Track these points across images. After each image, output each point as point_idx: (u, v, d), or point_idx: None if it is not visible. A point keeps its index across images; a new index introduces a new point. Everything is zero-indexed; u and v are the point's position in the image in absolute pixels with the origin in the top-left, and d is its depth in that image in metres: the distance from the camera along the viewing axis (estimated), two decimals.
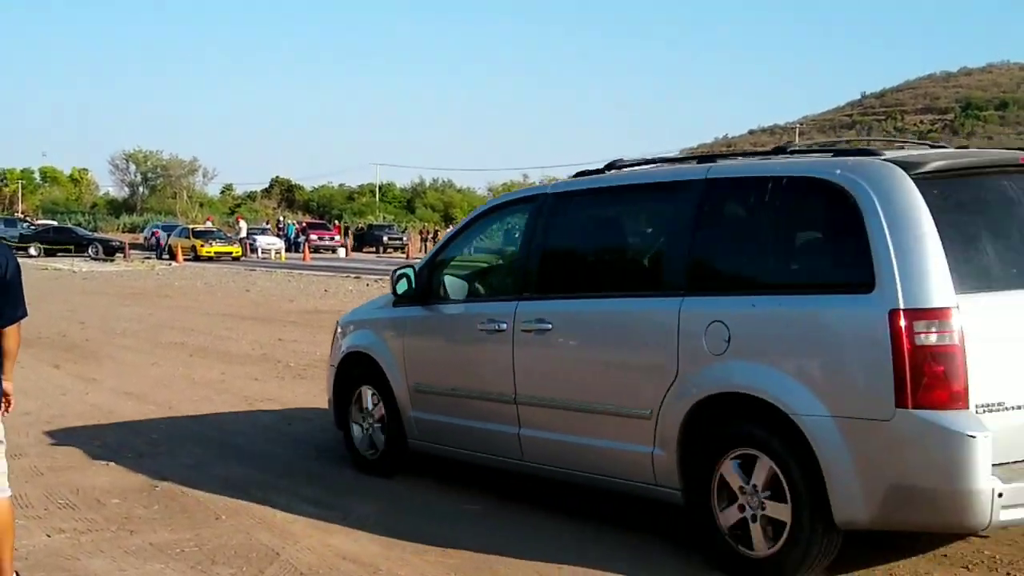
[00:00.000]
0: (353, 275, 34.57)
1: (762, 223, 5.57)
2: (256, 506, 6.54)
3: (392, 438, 7.35)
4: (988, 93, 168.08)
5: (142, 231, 74.27)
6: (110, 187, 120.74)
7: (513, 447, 6.46)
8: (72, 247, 52.09)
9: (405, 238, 67.91)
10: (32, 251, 50.84)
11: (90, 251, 50.82)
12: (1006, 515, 4.54)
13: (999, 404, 4.65)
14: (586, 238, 6.72)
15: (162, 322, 18.48)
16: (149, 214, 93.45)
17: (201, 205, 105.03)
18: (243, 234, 59.72)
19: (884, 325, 4.66)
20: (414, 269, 7.32)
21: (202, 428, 9.10)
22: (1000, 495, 4.48)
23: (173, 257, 49.14)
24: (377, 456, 7.51)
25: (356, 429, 7.67)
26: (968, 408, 4.58)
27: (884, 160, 5.14)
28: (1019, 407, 4.68)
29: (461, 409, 6.85)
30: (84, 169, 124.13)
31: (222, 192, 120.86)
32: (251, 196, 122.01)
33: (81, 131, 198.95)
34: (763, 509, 5.07)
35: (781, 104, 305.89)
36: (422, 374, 7.12)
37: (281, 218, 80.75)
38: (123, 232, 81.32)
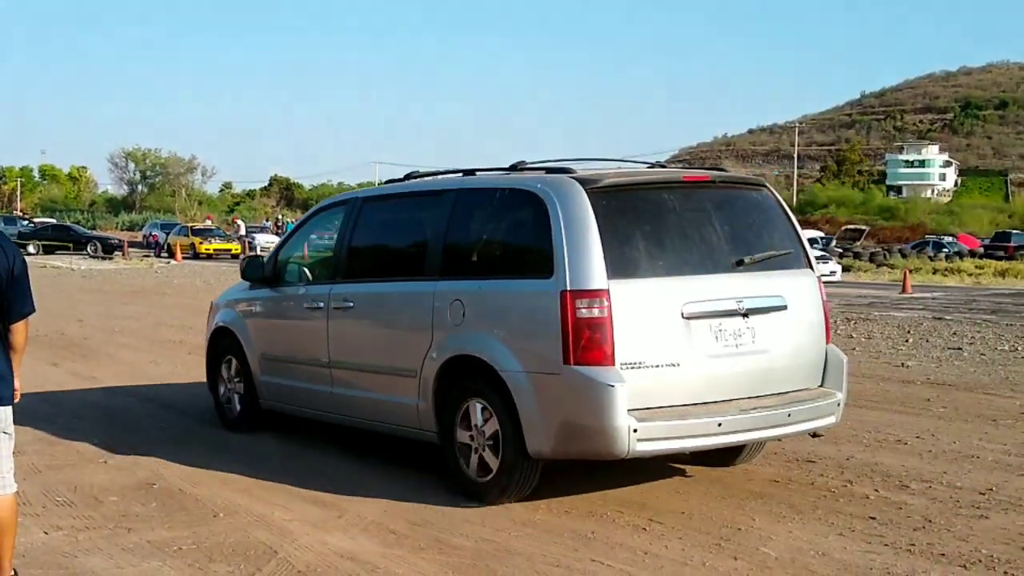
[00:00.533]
0: None
1: (489, 223, 7.19)
2: (254, 504, 6.54)
3: (248, 400, 8.86)
4: (988, 93, 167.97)
5: (141, 229, 74.16)
6: (109, 185, 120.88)
7: (329, 403, 8.03)
8: (71, 245, 52.05)
9: None
10: (31, 249, 50.76)
11: (89, 249, 50.79)
12: (640, 447, 6.02)
13: (639, 363, 6.14)
14: (379, 234, 8.26)
15: (161, 320, 18.48)
16: (148, 212, 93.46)
17: (200, 203, 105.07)
18: (242, 232, 59.65)
19: (556, 302, 6.16)
20: (262, 258, 9.19)
21: (203, 426, 9.09)
22: (635, 431, 5.96)
23: (172, 255, 48.99)
24: (236, 415, 9.01)
25: (222, 392, 9.19)
26: (614, 365, 6.06)
27: (571, 176, 6.58)
28: (655, 366, 6.20)
29: (294, 373, 8.38)
30: (83, 167, 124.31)
31: (221, 190, 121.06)
32: (250, 194, 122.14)
33: (80, 129, 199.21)
34: (486, 444, 6.57)
35: (781, 104, 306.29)
36: (267, 345, 8.69)
37: (280, 216, 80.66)
38: (122, 230, 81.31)
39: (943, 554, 5.50)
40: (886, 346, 14.44)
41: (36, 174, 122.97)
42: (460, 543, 5.74)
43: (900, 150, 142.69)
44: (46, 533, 5.95)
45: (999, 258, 45.46)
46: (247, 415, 8.90)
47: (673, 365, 6.26)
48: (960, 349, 13.99)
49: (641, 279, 6.33)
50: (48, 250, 51.35)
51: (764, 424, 6.48)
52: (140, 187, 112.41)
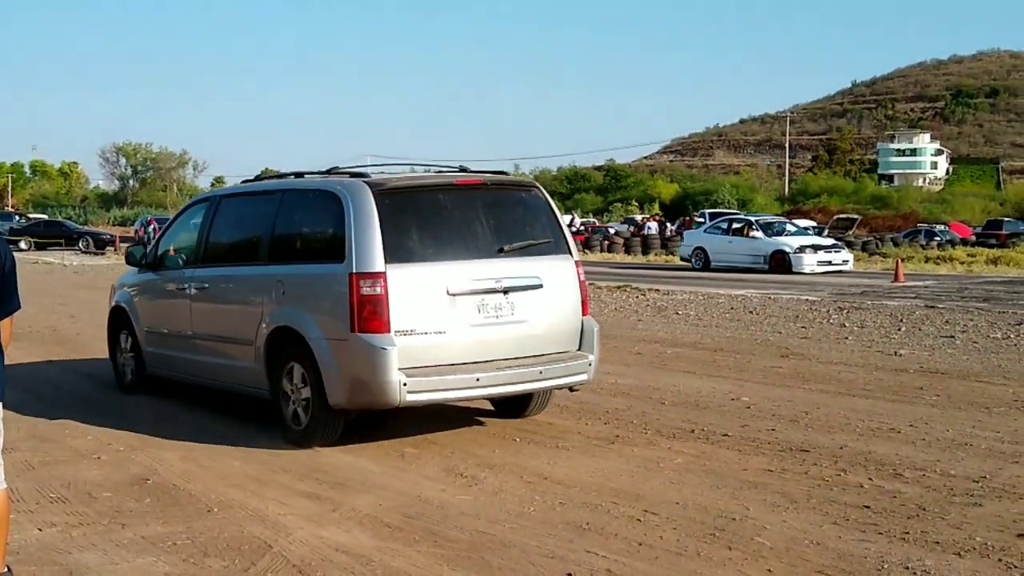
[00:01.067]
0: None
1: (304, 218, 8.78)
2: (249, 499, 6.54)
3: (138, 368, 10.39)
4: (978, 81, 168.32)
5: (133, 224, 73.95)
6: (100, 180, 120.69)
7: (195, 369, 9.58)
8: (63, 241, 51.86)
9: None
10: (23, 245, 50.73)
11: (81, 245, 50.76)
12: (410, 397, 7.53)
13: (411, 331, 7.61)
14: (229, 227, 9.66)
15: None
16: (140, 207, 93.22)
17: (191, 197, 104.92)
18: None
19: (346, 282, 7.59)
20: (146, 247, 11.02)
21: (195, 420, 9.08)
22: (405, 385, 7.44)
23: None
24: (129, 380, 10.58)
25: (120, 362, 10.78)
26: (390, 333, 7.51)
27: (363, 180, 8.03)
28: (424, 333, 7.67)
29: (169, 344, 9.95)
30: (74, 162, 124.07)
31: (213, 184, 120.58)
32: None
33: (71, 124, 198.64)
34: (302, 398, 8.00)
35: (772, 93, 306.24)
36: (150, 321, 10.26)
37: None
38: (114, 225, 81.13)
39: (937, 542, 5.51)
40: (879, 335, 14.45)
41: (27, 170, 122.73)
42: (455, 535, 5.74)
43: (891, 139, 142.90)
44: (40, 530, 5.94)
45: (991, 246, 45.45)
46: (138, 381, 10.44)
47: (440, 332, 7.76)
48: (953, 337, 14.01)
49: (414, 264, 7.80)
50: (40, 246, 51.23)
51: (518, 380, 8.03)
52: (132, 182, 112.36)
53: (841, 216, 55.89)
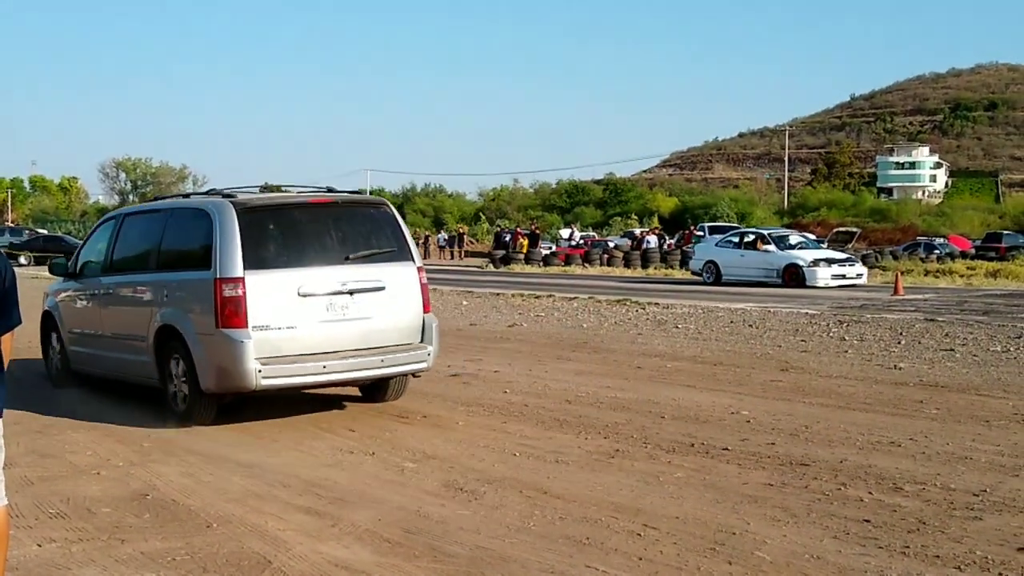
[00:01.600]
0: None
1: (184, 232, 10.12)
2: (248, 514, 6.53)
3: (64, 365, 11.83)
4: (977, 94, 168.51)
5: None
6: (100, 195, 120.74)
7: (107, 364, 11.00)
8: (63, 256, 51.66)
9: None
10: (22, 260, 50.70)
11: None
12: (265, 383, 8.99)
13: (266, 327, 9.07)
14: (130, 241, 11.01)
15: None
16: None
17: None
18: None
19: (212, 285, 9.07)
20: (66, 257, 12.89)
21: (193, 437, 9.07)
22: (260, 371, 8.92)
23: None
24: (58, 376, 12.01)
25: (51, 359, 12.24)
26: (247, 328, 8.96)
27: (229, 200, 9.58)
28: (278, 328, 9.12)
29: (86, 343, 11.35)
30: (74, 177, 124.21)
31: None
32: None
33: (70, 140, 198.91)
34: (183, 385, 9.49)
35: (771, 107, 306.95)
36: (71, 323, 11.65)
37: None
38: None
39: (938, 556, 5.50)
40: (878, 348, 14.46)
41: (27, 185, 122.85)
42: (455, 551, 5.74)
43: (890, 152, 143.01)
44: (39, 545, 5.93)
45: (990, 259, 45.47)
46: (65, 376, 11.84)
47: (292, 328, 9.18)
48: (952, 350, 14.01)
49: (269, 270, 9.25)
50: (40, 261, 51.08)
51: (361, 368, 9.52)
52: (132, 197, 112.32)
53: (840, 229, 55.86)
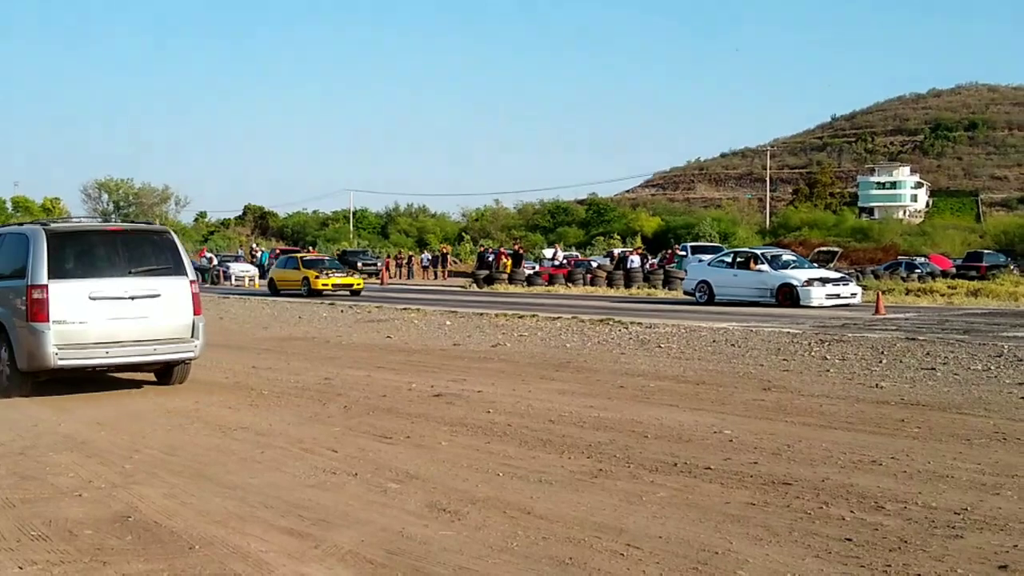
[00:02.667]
0: (327, 301, 34.49)
1: (13, 250, 12.91)
2: (230, 535, 6.51)
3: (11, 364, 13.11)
4: (957, 114, 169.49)
5: None
6: (83, 216, 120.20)
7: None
8: None
9: (380, 263, 67.68)
10: None
11: None
12: (60, 362, 12.11)
13: (63, 321, 12.12)
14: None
15: None
16: None
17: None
18: (215, 262, 59.44)
19: (25, 290, 12.05)
20: None
21: (175, 458, 9.04)
22: (57, 354, 12.03)
23: (276, 292, 42.00)
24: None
25: None
26: (48, 322, 12.01)
27: (42, 226, 12.68)
28: (73, 323, 12.16)
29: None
30: (56, 198, 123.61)
31: (195, 220, 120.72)
32: (224, 223, 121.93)
33: (53, 161, 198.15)
34: (6, 367, 12.63)
35: (753, 127, 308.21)
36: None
37: (254, 245, 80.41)
38: None
39: (919, 574, 5.53)
40: (860, 367, 14.51)
41: (9, 206, 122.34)
42: (438, 571, 5.73)
43: (871, 172, 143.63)
44: (21, 568, 5.90)
45: (971, 278, 45.61)
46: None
47: (83, 323, 12.29)
48: (934, 369, 14.07)
49: (68, 280, 12.28)
50: None
51: (138, 354, 12.70)
52: (114, 217, 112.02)
53: (822, 249, 55.93)
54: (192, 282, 13.17)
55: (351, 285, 41.45)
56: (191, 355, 13.16)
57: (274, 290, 42.37)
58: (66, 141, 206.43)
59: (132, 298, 12.50)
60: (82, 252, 12.65)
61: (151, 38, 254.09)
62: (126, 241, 13.00)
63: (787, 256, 33.95)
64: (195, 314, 13.09)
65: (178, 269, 13.09)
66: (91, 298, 12.24)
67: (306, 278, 40.93)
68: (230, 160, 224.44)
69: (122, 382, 14.07)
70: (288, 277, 42.35)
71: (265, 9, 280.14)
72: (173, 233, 13.65)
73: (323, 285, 40.34)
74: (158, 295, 12.73)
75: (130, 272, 12.69)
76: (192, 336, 13.03)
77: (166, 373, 13.74)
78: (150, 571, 5.82)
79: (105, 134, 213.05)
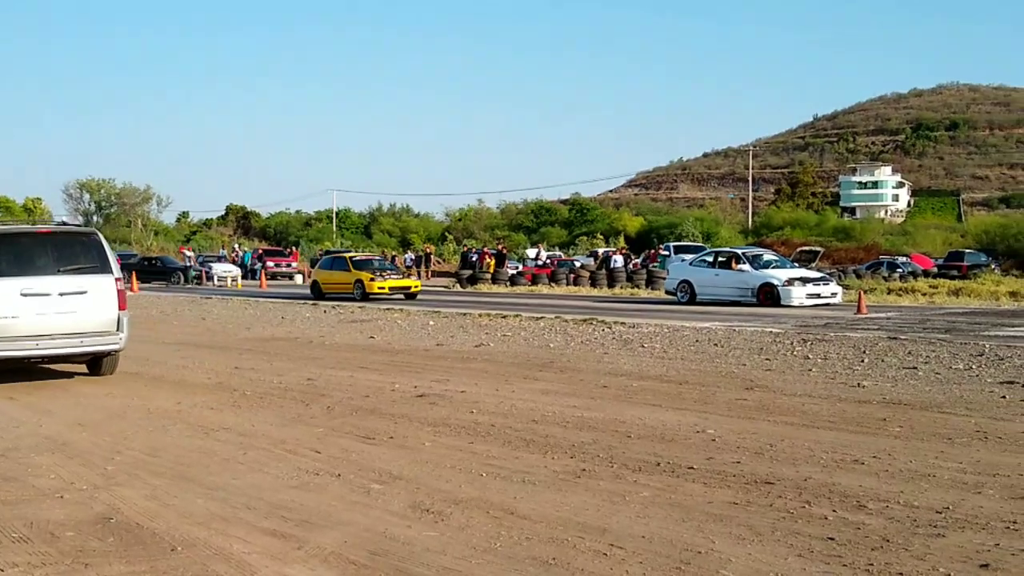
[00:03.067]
0: (310, 302, 34.42)
1: None
2: (213, 537, 6.49)
3: None
4: (938, 114, 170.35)
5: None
6: (64, 216, 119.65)
7: None
8: None
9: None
10: None
11: None
12: None
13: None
14: None
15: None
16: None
17: (156, 233, 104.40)
18: (195, 262, 59.27)
19: None
20: None
21: (157, 459, 9.01)
22: None
23: (321, 296, 37.91)
24: None
25: None
26: None
27: None
28: (4, 318, 13.15)
29: None
30: (37, 198, 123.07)
31: (178, 220, 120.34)
32: (207, 223, 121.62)
33: (35, 161, 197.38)
34: None
35: (735, 127, 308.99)
36: None
37: (237, 245, 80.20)
38: None
39: (901, 573, 5.54)
40: (842, 366, 14.56)
41: None
42: (421, 572, 5.73)
43: (853, 172, 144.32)
44: (1, 570, 5.87)
45: (953, 277, 45.82)
46: None
47: (15, 317, 13.15)
48: (915, 368, 14.13)
49: (0, 278, 13.13)
50: None
51: (66, 346, 13.58)
52: (96, 218, 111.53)
53: (804, 249, 56.13)
54: (117, 280, 14.10)
55: (408, 288, 37.43)
56: (116, 347, 14.17)
57: (319, 294, 38.32)
58: (48, 141, 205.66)
59: (61, 295, 13.47)
60: (15, 253, 13.61)
61: (133, 37, 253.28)
62: (56, 242, 14.02)
63: (768, 256, 33.88)
64: (120, 309, 14.00)
65: (104, 268, 14.01)
66: (23, 295, 13.19)
67: (359, 280, 36.72)
68: (212, 160, 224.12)
69: (95, 383, 14.02)
70: (336, 279, 38.16)
71: (247, 9, 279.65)
72: (100, 235, 14.66)
73: (379, 288, 36.21)
74: (85, 292, 13.66)
75: (59, 271, 13.63)
76: (117, 330, 14.00)
77: (95, 364, 14.78)
78: (132, 573, 5.79)
79: (87, 134, 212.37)
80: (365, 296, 36.02)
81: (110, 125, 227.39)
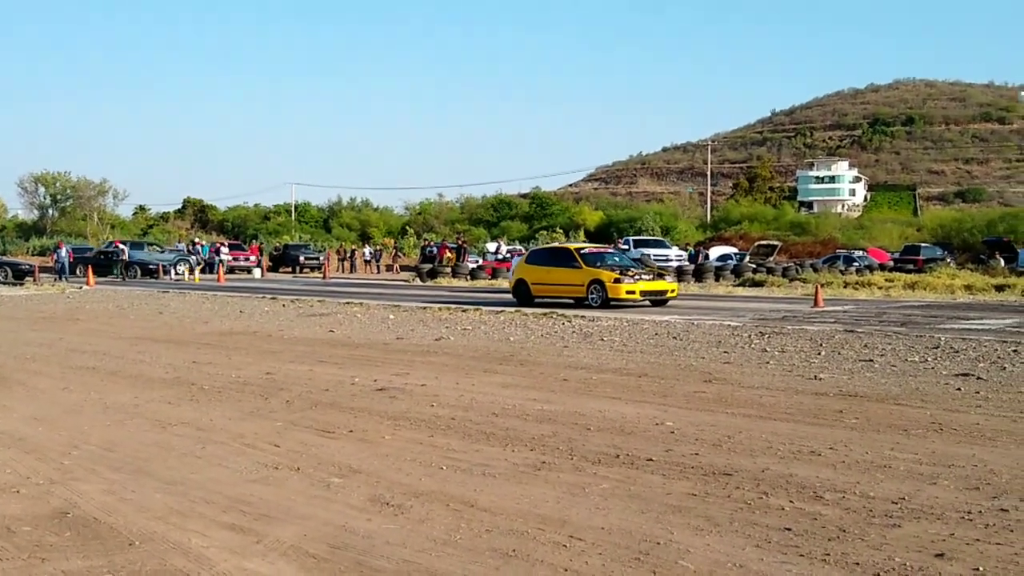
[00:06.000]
0: (269, 296, 34.24)
1: None
2: (171, 531, 6.46)
3: None
4: (895, 109, 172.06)
5: (53, 253, 72.01)
6: (19, 210, 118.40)
7: None
8: None
9: (322, 258, 67.31)
10: None
11: None
12: None
13: None
14: None
15: (73, 346, 18.16)
16: (60, 236, 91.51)
17: (113, 227, 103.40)
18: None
19: None
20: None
21: (114, 454, 8.95)
22: None
23: (528, 301, 28.82)
24: None
25: None
26: None
27: None
28: None
29: None
30: None
31: (134, 213, 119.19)
32: (164, 217, 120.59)
33: None
34: None
35: (694, 122, 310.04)
36: None
37: (196, 239, 79.58)
38: (33, 255, 79.61)
39: (857, 563, 5.59)
40: (799, 359, 14.66)
41: None
42: (381, 565, 5.72)
43: (810, 166, 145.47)
44: None
45: (908, 271, 46.24)
46: None
47: None
48: (871, 361, 14.25)
49: None
50: None
51: None
52: (51, 211, 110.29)
53: (762, 243, 56.58)
54: None
55: (664, 292, 27.90)
56: None
57: (525, 298, 29.52)
58: (1, 132, 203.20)
59: None
60: None
61: (89, 26, 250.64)
62: None
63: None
64: None
65: None
66: None
67: (598, 281, 27.64)
68: (169, 153, 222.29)
69: (55, 379, 13.90)
70: (558, 280, 29.08)
71: (203, 0, 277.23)
72: None
73: (627, 293, 27.20)
74: None
75: None
76: None
77: None
78: (90, 568, 5.75)
79: (41, 127, 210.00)
80: (606, 302, 27.22)
81: (65, 117, 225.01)
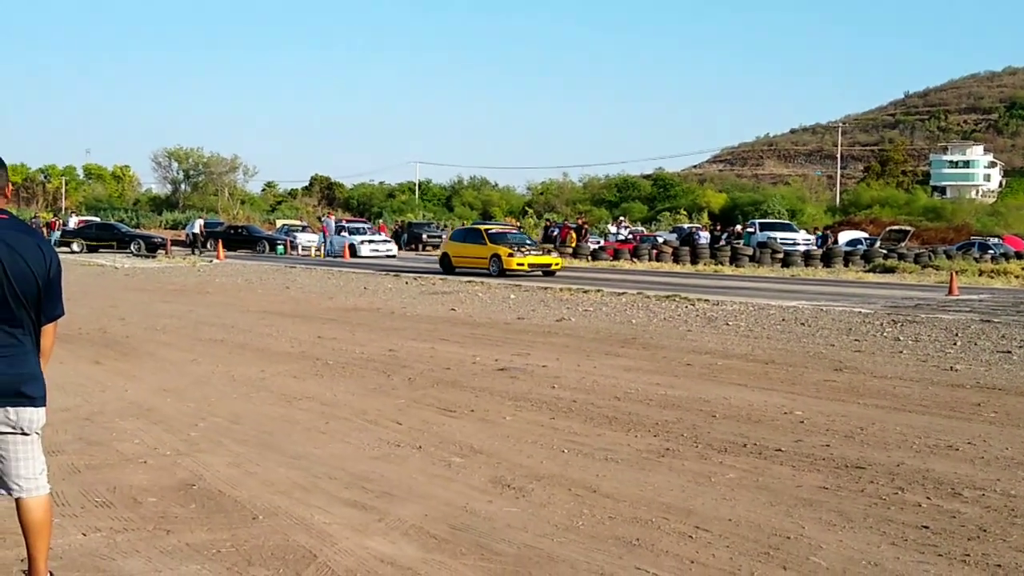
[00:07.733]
0: (392, 272, 34.55)
1: None
2: (294, 506, 6.47)
3: None
4: None
5: (184, 227, 73.77)
6: (152, 184, 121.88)
7: None
8: (114, 243, 52.33)
9: (444, 236, 67.74)
10: (75, 247, 51.35)
11: (132, 248, 51.05)
12: None
13: None
14: None
15: (202, 319, 18.50)
16: (192, 211, 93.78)
17: (243, 202, 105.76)
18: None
19: None
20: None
21: (240, 426, 9.04)
22: None
23: (450, 270, 35.48)
24: None
25: None
26: None
27: None
28: None
29: None
30: (126, 166, 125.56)
31: (263, 189, 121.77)
32: (292, 194, 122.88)
33: (124, 129, 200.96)
34: None
35: (824, 104, 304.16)
36: None
37: (322, 216, 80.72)
38: (165, 229, 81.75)
39: (999, 565, 5.33)
40: (933, 349, 14.22)
41: (80, 173, 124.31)
42: (502, 548, 5.64)
43: (944, 150, 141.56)
44: (84, 535, 5.89)
45: None
46: None
47: None
48: (1009, 352, 13.75)
49: None
50: (92, 248, 51.81)
51: None
52: (183, 186, 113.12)
53: (893, 228, 55.36)
54: None
55: (548, 265, 34.19)
56: None
57: (448, 268, 35.71)
58: (137, 109, 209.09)
59: None
60: None
61: (225, 5, 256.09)
62: None
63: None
64: None
65: None
66: None
67: (496, 255, 33.70)
68: (298, 131, 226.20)
69: (180, 350, 14.15)
70: (469, 252, 35.40)
71: None
72: None
73: (517, 265, 33.17)
74: None
75: None
76: None
77: None
78: (213, 540, 5.78)
79: (177, 103, 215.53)
80: (503, 272, 33.07)
81: (199, 95, 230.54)
